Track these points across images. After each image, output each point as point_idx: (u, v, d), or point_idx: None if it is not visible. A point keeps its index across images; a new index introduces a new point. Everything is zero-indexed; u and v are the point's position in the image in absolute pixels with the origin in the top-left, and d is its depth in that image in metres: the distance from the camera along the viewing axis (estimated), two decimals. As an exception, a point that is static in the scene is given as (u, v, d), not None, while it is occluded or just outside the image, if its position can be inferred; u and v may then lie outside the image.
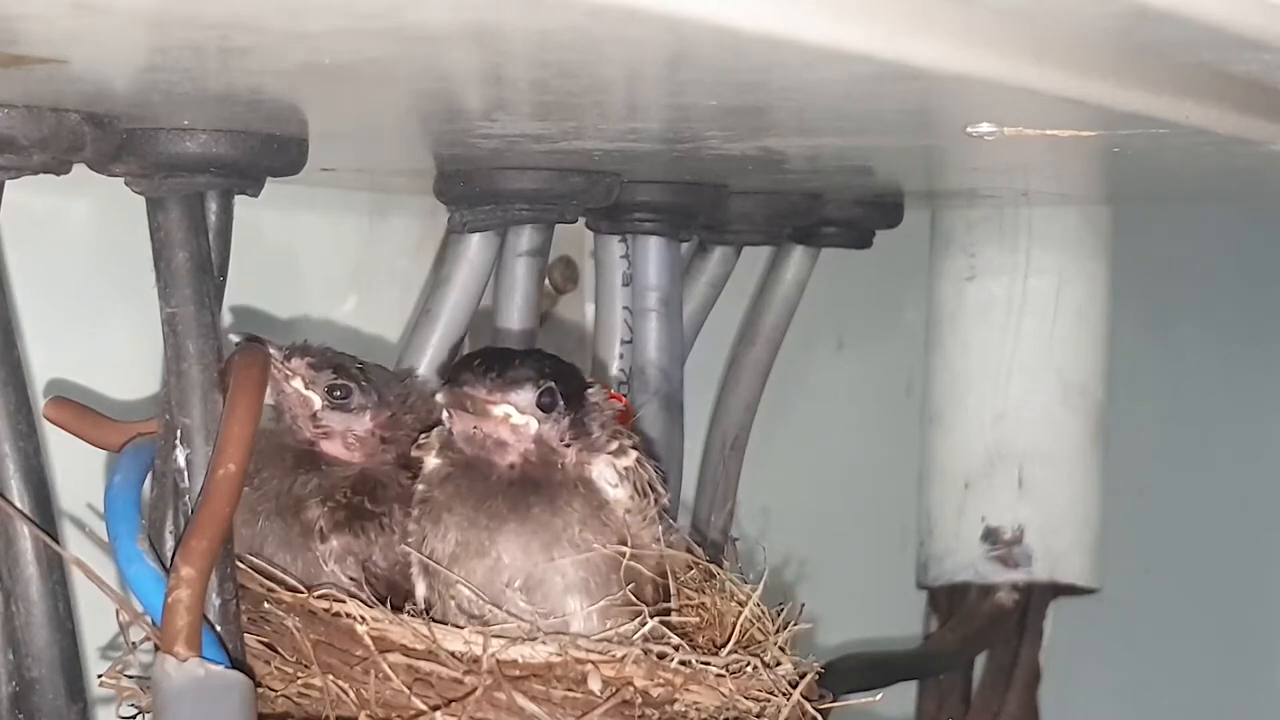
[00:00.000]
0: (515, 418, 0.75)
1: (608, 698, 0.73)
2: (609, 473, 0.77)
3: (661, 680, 0.74)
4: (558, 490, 0.75)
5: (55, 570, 0.72)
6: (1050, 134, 0.75)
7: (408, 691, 0.73)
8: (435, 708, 0.73)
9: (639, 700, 0.74)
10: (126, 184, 0.73)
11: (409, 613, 0.76)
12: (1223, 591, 1.66)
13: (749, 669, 0.77)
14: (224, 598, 0.72)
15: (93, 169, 0.72)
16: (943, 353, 1.34)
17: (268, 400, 0.76)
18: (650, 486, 0.78)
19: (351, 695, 0.74)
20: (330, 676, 0.74)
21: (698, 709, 0.75)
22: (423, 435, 0.79)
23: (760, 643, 0.80)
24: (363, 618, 0.74)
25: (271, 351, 0.78)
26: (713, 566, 0.84)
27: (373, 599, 0.75)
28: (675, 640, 0.75)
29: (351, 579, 0.78)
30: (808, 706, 0.78)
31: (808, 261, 1.14)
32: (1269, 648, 1.73)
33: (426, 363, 0.91)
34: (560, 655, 0.73)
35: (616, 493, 0.76)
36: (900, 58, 0.55)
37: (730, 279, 1.09)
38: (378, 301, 1.01)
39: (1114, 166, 0.95)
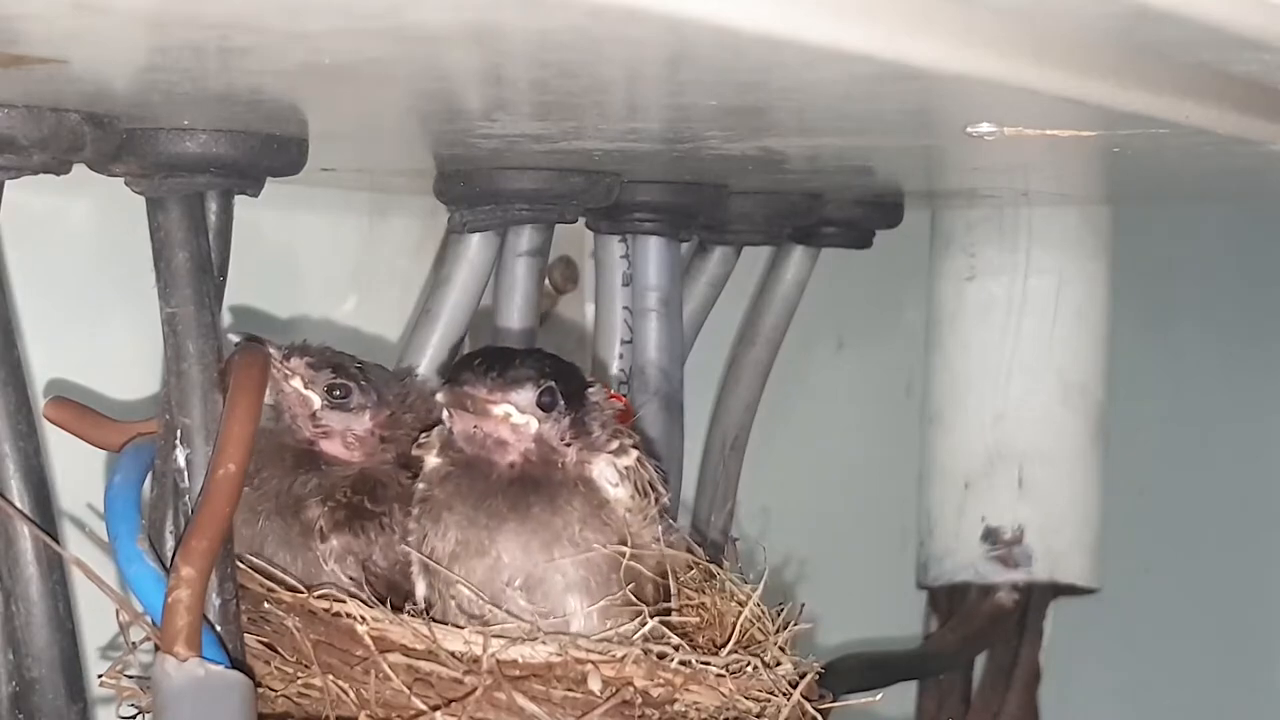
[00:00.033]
0: (515, 417, 0.75)
1: (608, 698, 0.73)
2: (610, 472, 0.77)
3: (661, 680, 0.74)
4: (558, 489, 0.75)
5: (55, 570, 0.72)
6: (1050, 134, 0.75)
7: (408, 691, 0.73)
8: (435, 708, 0.73)
9: (639, 700, 0.74)
10: (126, 184, 0.73)
11: (409, 613, 0.76)
12: (1223, 591, 1.66)
13: (749, 669, 0.77)
14: (224, 598, 0.72)
15: (93, 169, 0.72)
16: (943, 353, 1.34)
17: (267, 400, 0.76)
18: (651, 486, 0.78)
19: (351, 695, 0.74)
20: (330, 676, 0.74)
21: (698, 709, 0.75)
22: (423, 434, 0.79)
23: (760, 643, 0.80)
24: (363, 618, 0.74)
25: (271, 351, 0.78)
26: (713, 566, 0.84)
27: (373, 599, 0.75)
28: (675, 640, 0.75)
29: (351, 578, 0.78)
30: (808, 706, 0.78)
31: (808, 261, 1.14)
32: (1269, 648, 1.73)
33: (426, 363, 0.91)
34: (560, 655, 0.73)
35: (617, 492, 0.76)
36: (900, 58, 0.55)
37: (730, 279, 1.09)
38: (378, 301, 1.01)
39: (1114, 166, 0.95)
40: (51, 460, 0.74)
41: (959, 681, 1.33)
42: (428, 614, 0.76)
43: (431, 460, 0.77)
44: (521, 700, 0.72)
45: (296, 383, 0.80)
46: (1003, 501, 1.32)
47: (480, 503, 0.75)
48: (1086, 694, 1.50)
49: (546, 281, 1.02)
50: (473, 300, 0.92)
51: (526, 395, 0.75)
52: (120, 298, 0.88)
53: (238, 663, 0.71)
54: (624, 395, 0.97)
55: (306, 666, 0.75)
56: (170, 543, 0.72)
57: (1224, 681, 1.67)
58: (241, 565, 0.75)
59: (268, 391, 0.75)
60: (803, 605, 0.82)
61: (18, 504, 0.71)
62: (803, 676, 0.79)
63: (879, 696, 0.81)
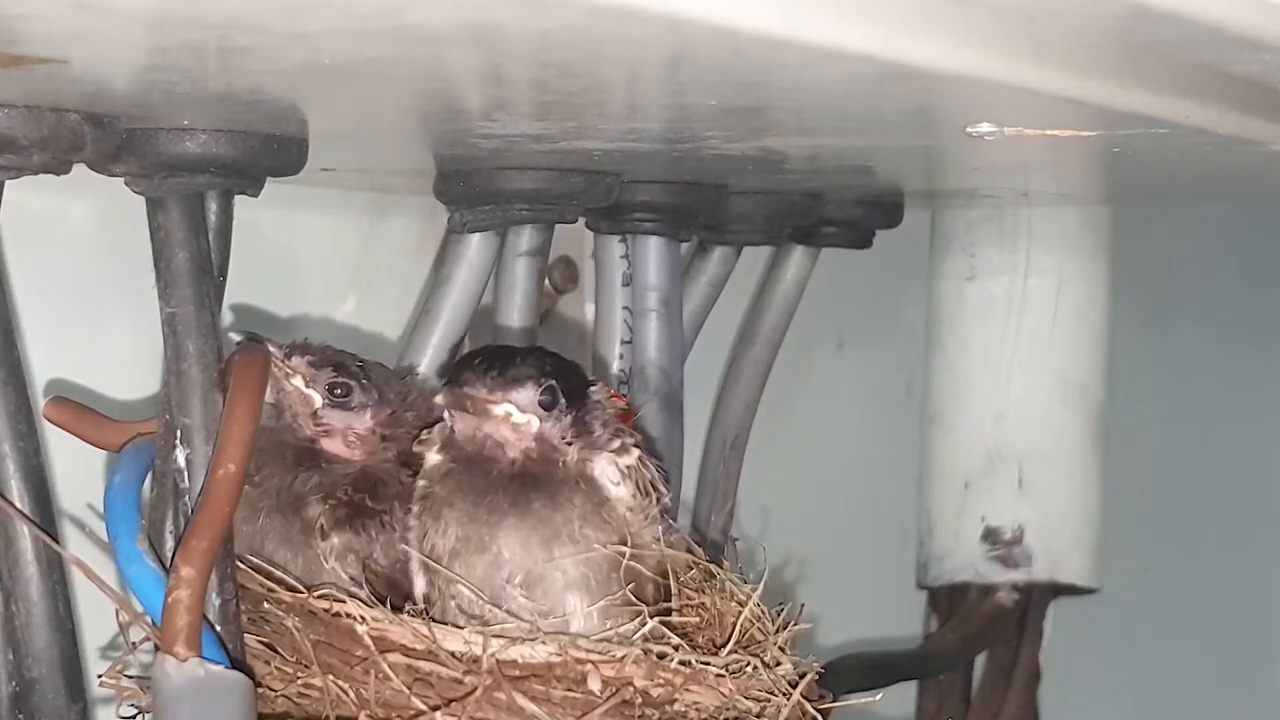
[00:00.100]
0: (516, 416, 0.75)
1: (608, 698, 0.73)
2: (611, 471, 0.77)
3: (661, 680, 0.74)
4: (559, 486, 0.75)
5: (55, 570, 0.72)
6: (1050, 134, 0.75)
7: (408, 691, 0.73)
8: (435, 708, 0.73)
9: (639, 700, 0.74)
10: (126, 184, 0.73)
11: (409, 612, 0.76)
12: (1223, 591, 1.66)
13: (749, 669, 0.77)
14: (224, 598, 0.72)
15: (93, 169, 0.72)
16: (943, 353, 1.34)
17: (268, 398, 0.76)
18: (652, 485, 0.78)
19: (351, 695, 0.74)
20: (330, 676, 0.74)
21: (698, 709, 0.75)
22: (424, 431, 0.79)
23: (760, 643, 0.80)
24: (363, 618, 0.74)
25: (272, 350, 0.78)
26: (713, 566, 0.84)
27: (373, 598, 0.75)
28: (675, 640, 0.75)
29: (352, 577, 0.78)
30: (808, 706, 0.78)
31: (808, 261, 1.14)
32: (1269, 648, 1.73)
33: (426, 363, 0.91)
34: (560, 655, 0.73)
35: (619, 491, 0.76)
36: (900, 58, 0.55)
37: (730, 279, 1.09)
38: (378, 301, 1.01)
39: (1114, 166, 0.95)
40: (51, 460, 0.74)
41: (959, 681, 1.33)
42: (427, 611, 0.76)
43: (433, 457, 0.77)
44: (521, 700, 0.72)
45: (298, 381, 0.80)
46: (1003, 501, 1.32)
47: (481, 499, 0.75)
48: (1086, 694, 1.50)
49: (546, 281, 1.02)
50: (473, 300, 0.92)
51: (527, 394, 0.75)
52: (120, 298, 0.88)
53: (238, 663, 0.71)
54: (624, 395, 0.97)
55: (306, 666, 0.75)
56: (170, 543, 0.72)
57: (1224, 681, 1.67)
58: (241, 565, 0.75)
59: (269, 390, 0.76)
60: (803, 605, 0.82)
61: (18, 504, 0.71)
62: (803, 676, 0.79)
63: (879, 696, 0.81)
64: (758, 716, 0.76)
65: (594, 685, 0.73)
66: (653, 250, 0.99)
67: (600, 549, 0.75)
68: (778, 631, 0.80)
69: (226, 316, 0.84)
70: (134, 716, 0.76)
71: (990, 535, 1.32)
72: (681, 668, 0.74)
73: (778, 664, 0.78)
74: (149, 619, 0.70)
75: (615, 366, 0.99)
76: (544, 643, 0.73)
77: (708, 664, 0.75)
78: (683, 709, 0.74)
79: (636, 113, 0.70)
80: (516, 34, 0.52)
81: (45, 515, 0.72)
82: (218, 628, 0.71)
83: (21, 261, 0.77)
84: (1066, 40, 0.60)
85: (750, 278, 1.15)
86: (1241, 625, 1.69)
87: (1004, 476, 1.32)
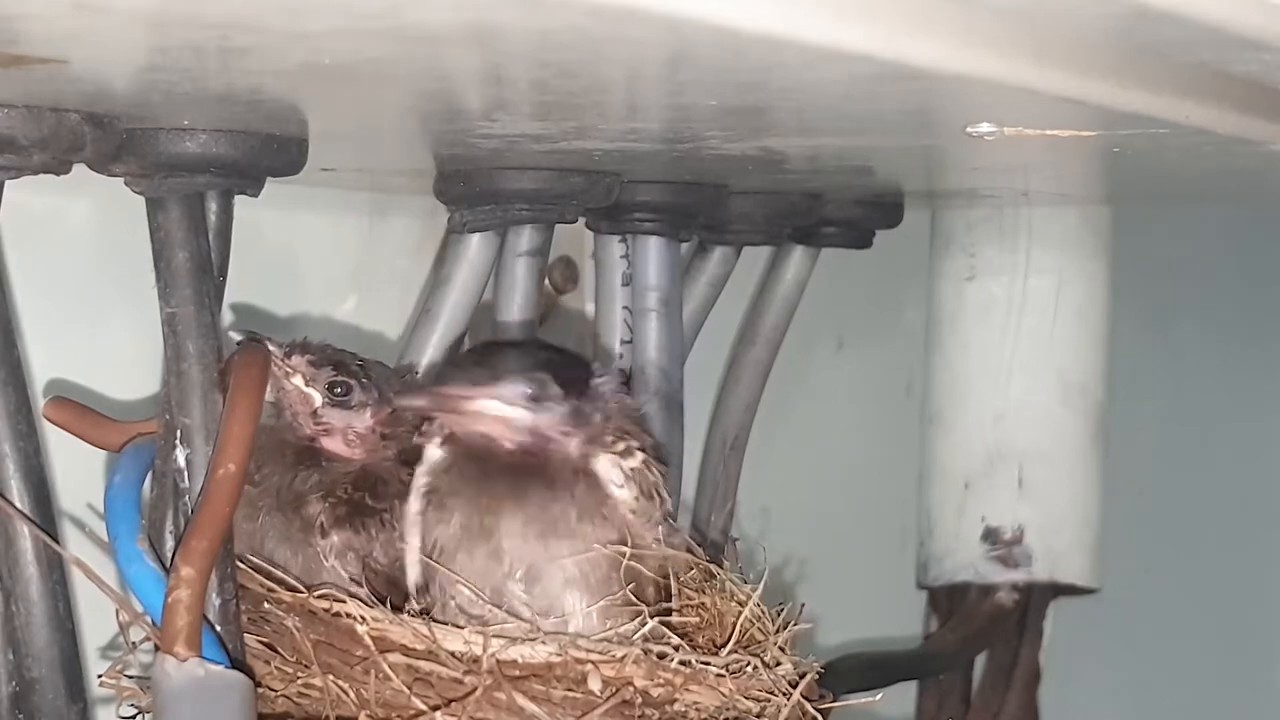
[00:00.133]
0: (503, 410, 0.75)
1: (608, 698, 0.73)
2: (615, 472, 0.76)
3: (661, 680, 0.74)
4: (557, 476, 0.75)
5: (55, 570, 0.72)
6: (1050, 134, 0.75)
7: (408, 691, 0.73)
8: (435, 708, 0.73)
9: (639, 700, 0.74)
10: (126, 184, 0.73)
11: (409, 612, 0.76)
12: (1223, 591, 1.66)
13: (749, 669, 0.77)
14: (224, 598, 0.72)
15: (93, 169, 0.72)
16: (943, 353, 1.34)
17: (268, 397, 0.76)
18: (656, 490, 0.78)
19: (351, 695, 0.74)
20: (330, 676, 0.74)
21: (698, 709, 0.75)
22: (424, 424, 0.79)
23: (760, 643, 0.80)
24: (363, 617, 0.74)
25: (272, 349, 0.78)
26: (713, 566, 0.84)
27: (372, 598, 0.75)
28: (675, 640, 0.75)
29: (351, 576, 0.78)
30: (808, 706, 0.78)
31: (808, 261, 1.14)
32: (1269, 648, 1.73)
33: (426, 362, 0.91)
34: (560, 655, 0.73)
35: (622, 493, 0.76)
36: (900, 58, 0.55)
37: (730, 279, 1.09)
38: (378, 301, 1.01)
39: (1114, 166, 0.95)
40: (51, 460, 0.74)
41: (959, 681, 1.33)
42: (420, 601, 0.76)
43: (433, 451, 0.77)
44: (521, 700, 0.72)
45: (298, 380, 0.80)
46: (1003, 501, 1.32)
47: (481, 487, 0.75)
48: (1086, 694, 1.50)
49: (546, 281, 1.02)
50: (472, 300, 0.92)
51: (511, 389, 0.75)
52: (120, 298, 0.88)
53: (238, 663, 0.71)
54: (626, 395, 0.97)
55: (306, 666, 0.75)
56: (170, 543, 0.72)
57: (1224, 681, 1.67)
58: (241, 565, 0.75)
59: (269, 389, 0.76)
60: (803, 605, 0.82)
61: (18, 504, 0.71)
62: (803, 676, 0.79)
63: (879, 696, 0.81)
64: (758, 716, 0.76)
65: (594, 685, 0.73)
66: (653, 250, 0.99)
67: (600, 548, 0.75)
68: (778, 631, 0.80)
69: (226, 316, 0.84)
70: (134, 716, 0.76)
71: (990, 535, 1.32)
72: (681, 668, 0.74)
73: (778, 664, 0.78)
74: (149, 619, 0.70)
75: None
76: (544, 643, 0.73)
77: (708, 664, 0.75)
78: (683, 709, 0.74)
79: (636, 113, 0.70)
80: (516, 34, 0.52)
81: (45, 515, 0.72)
82: (218, 628, 0.71)
83: (21, 261, 0.77)
84: (1066, 40, 0.60)
85: (750, 278, 1.15)
86: (1241, 625, 1.69)
87: (1004, 476, 1.32)
